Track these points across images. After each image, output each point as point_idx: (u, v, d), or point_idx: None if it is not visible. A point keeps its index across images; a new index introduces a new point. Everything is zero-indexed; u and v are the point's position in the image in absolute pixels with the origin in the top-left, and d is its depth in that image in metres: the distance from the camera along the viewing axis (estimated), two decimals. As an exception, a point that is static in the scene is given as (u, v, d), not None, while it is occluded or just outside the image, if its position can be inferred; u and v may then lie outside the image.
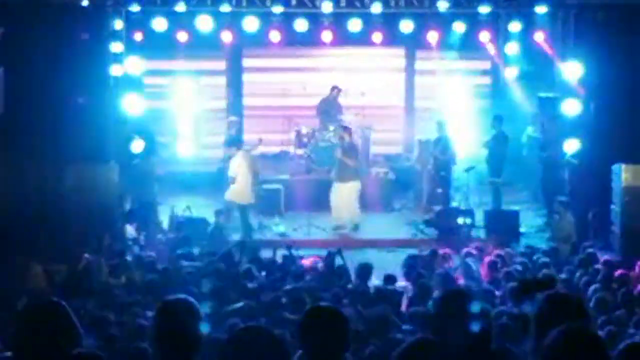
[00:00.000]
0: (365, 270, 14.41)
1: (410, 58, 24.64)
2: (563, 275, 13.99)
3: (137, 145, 19.44)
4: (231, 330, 8.62)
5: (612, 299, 12.21)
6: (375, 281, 14.58)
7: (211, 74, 24.55)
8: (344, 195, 20.02)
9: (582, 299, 5.64)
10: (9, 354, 5.77)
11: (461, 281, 13.99)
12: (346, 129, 20.61)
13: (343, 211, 20.06)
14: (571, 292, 9.53)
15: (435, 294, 12.82)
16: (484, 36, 22.01)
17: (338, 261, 15.27)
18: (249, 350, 4.83)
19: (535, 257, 15.47)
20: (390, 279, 14.01)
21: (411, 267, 14.76)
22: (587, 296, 12.11)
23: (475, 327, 5.23)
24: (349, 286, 13.91)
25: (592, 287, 12.76)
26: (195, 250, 16.93)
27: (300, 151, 22.59)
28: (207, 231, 18.63)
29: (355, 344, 9.66)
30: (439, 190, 20.61)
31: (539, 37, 21.02)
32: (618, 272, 13.68)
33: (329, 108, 22.68)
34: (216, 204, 19.92)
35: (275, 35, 21.55)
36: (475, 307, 5.33)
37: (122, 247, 17.08)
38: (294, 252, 16.08)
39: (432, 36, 21.85)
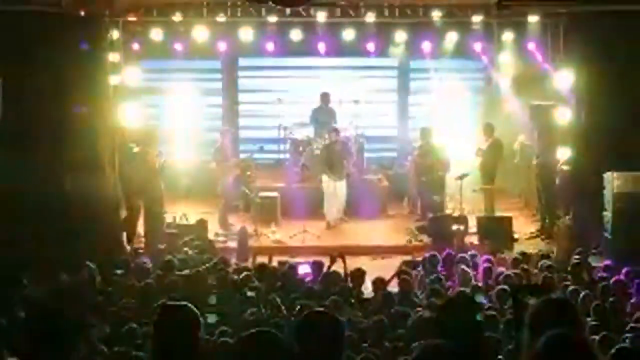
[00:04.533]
0: (358, 276, 14.63)
1: (404, 66, 24.77)
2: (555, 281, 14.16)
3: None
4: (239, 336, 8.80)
5: (605, 305, 12.39)
6: (370, 287, 14.76)
7: (207, 82, 24.63)
8: (337, 193, 20.88)
9: (574, 305, 5.80)
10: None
11: (457, 287, 14.16)
12: (334, 130, 21.25)
13: (333, 207, 20.83)
14: (565, 298, 9.74)
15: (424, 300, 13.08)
16: (477, 45, 22.25)
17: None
18: (257, 354, 4.90)
19: (532, 262, 15.75)
20: (379, 282, 14.20)
21: (405, 273, 14.91)
22: (579, 302, 12.28)
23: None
24: (343, 291, 14.06)
25: (584, 293, 12.96)
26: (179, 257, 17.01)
27: (295, 160, 22.73)
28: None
29: (351, 349, 9.85)
30: (432, 197, 20.77)
31: (531, 45, 21.25)
32: (612, 280, 13.90)
33: (322, 116, 22.77)
34: (212, 211, 20.36)
35: (270, 45, 21.79)
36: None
37: (118, 254, 17.21)
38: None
39: (426, 45, 22.12)
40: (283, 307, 12.65)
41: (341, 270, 15.04)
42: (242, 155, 22.31)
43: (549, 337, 4.61)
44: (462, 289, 13.66)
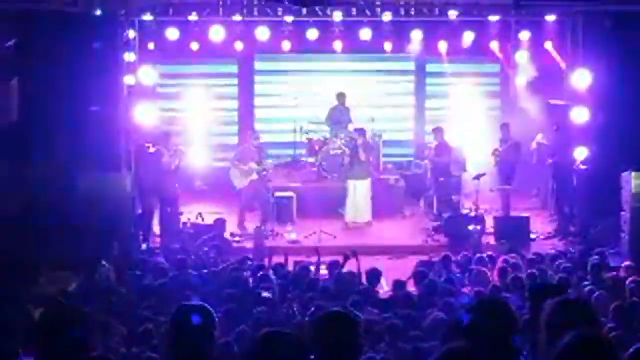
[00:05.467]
0: (373, 275, 14.54)
1: (421, 66, 24.68)
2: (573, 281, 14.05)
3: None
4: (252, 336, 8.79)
5: (624, 305, 12.27)
6: (385, 287, 14.68)
7: (223, 82, 24.59)
8: (362, 192, 20.77)
9: (591, 305, 5.72)
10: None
11: (473, 288, 14.06)
12: (360, 131, 21.07)
13: (359, 208, 20.76)
14: (581, 298, 9.64)
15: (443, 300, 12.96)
16: (494, 44, 22.17)
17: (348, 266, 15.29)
18: (274, 354, 4.86)
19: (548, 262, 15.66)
20: (399, 284, 14.11)
21: (421, 273, 14.83)
22: (598, 302, 12.17)
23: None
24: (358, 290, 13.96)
25: (602, 293, 12.85)
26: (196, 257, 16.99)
27: (311, 159, 22.70)
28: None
29: (369, 349, 9.77)
30: (447, 197, 20.66)
31: (548, 45, 21.14)
32: (631, 280, 13.76)
33: (337, 116, 22.73)
34: (228, 212, 20.33)
35: (286, 44, 21.73)
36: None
37: (134, 254, 17.20)
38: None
39: (442, 44, 22.04)
40: (298, 307, 12.58)
41: (355, 269, 14.97)
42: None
43: (574, 335, 4.54)
44: (478, 289, 13.56)
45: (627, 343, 9.12)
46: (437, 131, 21.35)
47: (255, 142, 21.04)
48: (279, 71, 24.58)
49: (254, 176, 20.62)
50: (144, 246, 18.64)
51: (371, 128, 22.76)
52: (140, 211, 19.60)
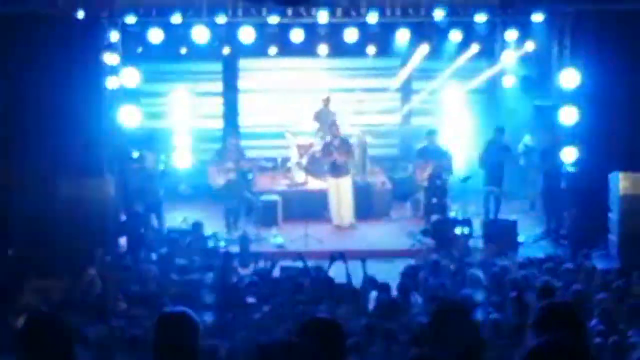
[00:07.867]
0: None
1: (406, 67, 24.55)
2: (561, 284, 13.94)
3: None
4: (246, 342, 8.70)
5: (615, 308, 12.16)
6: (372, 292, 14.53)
7: (207, 83, 24.45)
8: (344, 190, 20.72)
9: (578, 308, 5.59)
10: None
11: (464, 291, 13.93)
12: (334, 124, 21.20)
13: (342, 207, 20.70)
14: (567, 302, 9.49)
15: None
16: (481, 45, 22.02)
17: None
18: None
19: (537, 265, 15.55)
20: (383, 287, 13.98)
21: (409, 277, 14.73)
22: (589, 305, 12.06)
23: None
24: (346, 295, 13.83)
25: (597, 297, 12.74)
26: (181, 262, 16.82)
27: (297, 163, 22.60)
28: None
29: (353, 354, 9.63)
30: (434, 200, 20.52)
31: (536, 45, 21.02)
32: (621, 282, 13.67)
33: (323, 118, 22.66)
34: (213, 216, 20.10)
35: (271, 46, 21.60)
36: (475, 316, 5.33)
37: (121, 260, 17.04)
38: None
39: (429, 46, 21.90)
40: (284, 313, 12.48)
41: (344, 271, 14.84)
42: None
43: (537, 345, 4.39)
44: (465, 293, 13.43)
45: (618, 347, 9.04)
46: (430, 133, 21.20)
47: (235, 141, 21.02)
48: (264, 72, 24.45)
49: (230, 175, 20.47)
50: (134, 252, 18.39)
51: (359, 127, 22.71)
52: (124, 217, 19.42)
